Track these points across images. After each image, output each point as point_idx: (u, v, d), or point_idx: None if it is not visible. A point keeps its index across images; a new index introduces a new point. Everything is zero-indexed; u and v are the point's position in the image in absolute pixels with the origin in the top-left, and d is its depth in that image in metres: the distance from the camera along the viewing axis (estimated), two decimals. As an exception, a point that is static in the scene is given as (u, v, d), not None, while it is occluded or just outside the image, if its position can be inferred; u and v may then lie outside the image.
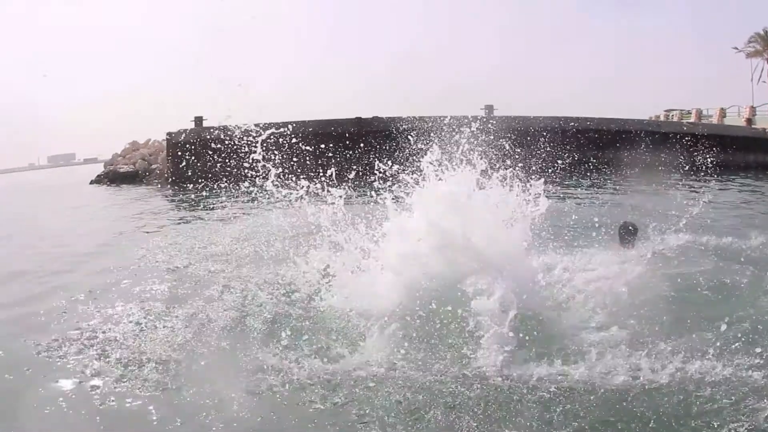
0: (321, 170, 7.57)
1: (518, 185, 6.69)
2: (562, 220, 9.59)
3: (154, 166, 38.87)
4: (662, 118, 46.06)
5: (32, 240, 14.72)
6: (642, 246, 8.66)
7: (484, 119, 7.72)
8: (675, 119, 44.02)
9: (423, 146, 6.80)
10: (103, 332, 6.34)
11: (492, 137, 7.04)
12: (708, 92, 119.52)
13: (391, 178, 6.90)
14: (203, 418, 4.54)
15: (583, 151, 26.23)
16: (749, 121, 36.15)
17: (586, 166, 20.40)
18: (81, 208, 24.25)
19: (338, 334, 6.03)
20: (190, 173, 30.99)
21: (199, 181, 21.94)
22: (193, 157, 30.40)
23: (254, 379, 5.06)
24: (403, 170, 6.74)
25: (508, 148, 7.45)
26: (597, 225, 8.80)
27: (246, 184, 7.44)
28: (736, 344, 5.27)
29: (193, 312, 6.80)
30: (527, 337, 5.47)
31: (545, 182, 6.59)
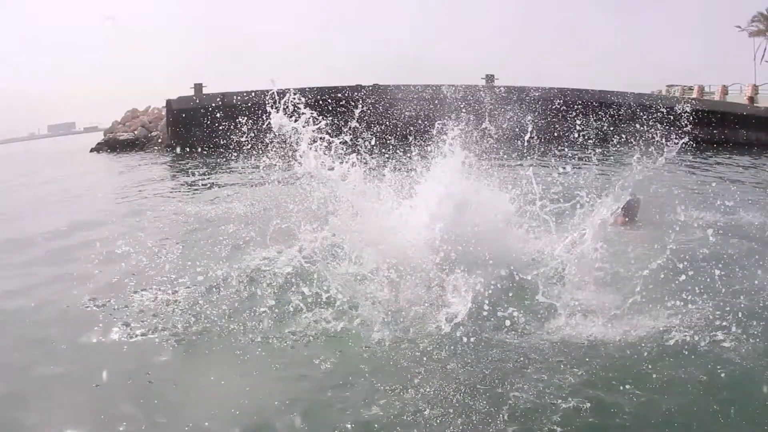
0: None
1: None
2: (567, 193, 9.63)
3: (154, 134, 38.66)
4: (664, 93, 45.75)
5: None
6: (644, 220, 8.68)
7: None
8: (678, 95, 43.75)
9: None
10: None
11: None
12: (709, 69, 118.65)
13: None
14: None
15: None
16: (752, 99, 35.97)
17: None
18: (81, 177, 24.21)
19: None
20: (189, 140, 31.05)
21: (200, 147, 21.86)
22: (192, 123, 30.31)
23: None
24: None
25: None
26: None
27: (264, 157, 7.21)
28: (724, 314, 5.52)
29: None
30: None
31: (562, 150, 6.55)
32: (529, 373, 4.66)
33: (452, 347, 5.10)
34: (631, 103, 25.91)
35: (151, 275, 7.19)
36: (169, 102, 34.82)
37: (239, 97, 32.31)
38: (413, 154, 7.13)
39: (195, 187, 17.26)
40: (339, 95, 28.81)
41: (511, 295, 6.12)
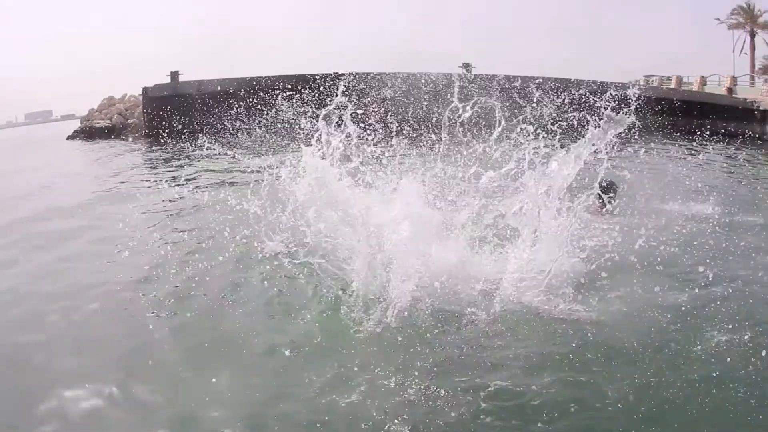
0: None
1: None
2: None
3: (130, 121, 38.34)
4: (642, 83, 45.95)
5: None
6: (619, 205, 8.61)
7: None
8: (655, 85, 44.00)
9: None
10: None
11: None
12: (687, 61, 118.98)
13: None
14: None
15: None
16: (730, 90, 36.29)
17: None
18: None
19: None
20: (166, 127, 30.92)
21: (176, 134, 21.57)
22: (168, 111, 30.08)
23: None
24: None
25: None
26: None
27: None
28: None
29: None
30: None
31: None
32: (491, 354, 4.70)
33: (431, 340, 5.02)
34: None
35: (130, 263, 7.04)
36: (145, 89, 34.65)
37: (215, 85, 32.16)
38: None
39: (169, 175, 16.94)
40: (316, 82, 28.65)
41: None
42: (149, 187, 13.60)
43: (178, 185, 13.10)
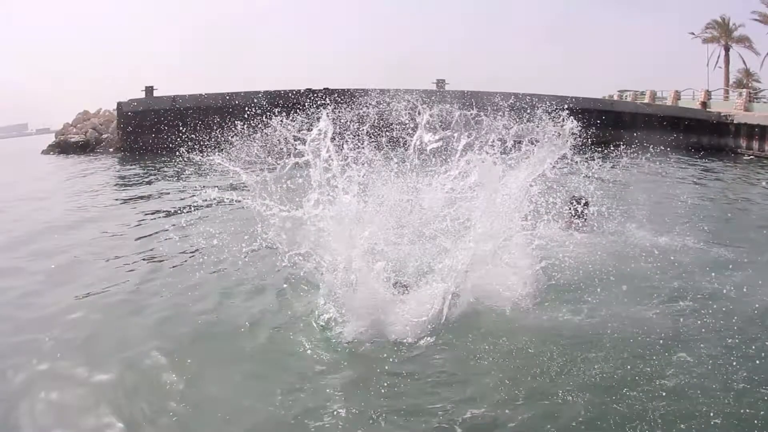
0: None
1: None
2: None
3: (105, 136, 37.83)
4: (616, 98, 46.33)
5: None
6: (591, 220, 8.60)
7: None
8: (629, 100, 44.40)
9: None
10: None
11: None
12: (660, 75, 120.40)
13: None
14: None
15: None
16: (704, 104, 36.66)
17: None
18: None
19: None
20: (140, 142, 30.78)
21: (150, 150, 21.30)
22: (142, 127, 29.89)
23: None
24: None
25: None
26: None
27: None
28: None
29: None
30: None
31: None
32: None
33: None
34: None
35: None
36: (119, 104, 34.28)
37: (189, 101, 32.04)
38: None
39: (142, 189, 16.69)
40: (289, 97, 28.64)
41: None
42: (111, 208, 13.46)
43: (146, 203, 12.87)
